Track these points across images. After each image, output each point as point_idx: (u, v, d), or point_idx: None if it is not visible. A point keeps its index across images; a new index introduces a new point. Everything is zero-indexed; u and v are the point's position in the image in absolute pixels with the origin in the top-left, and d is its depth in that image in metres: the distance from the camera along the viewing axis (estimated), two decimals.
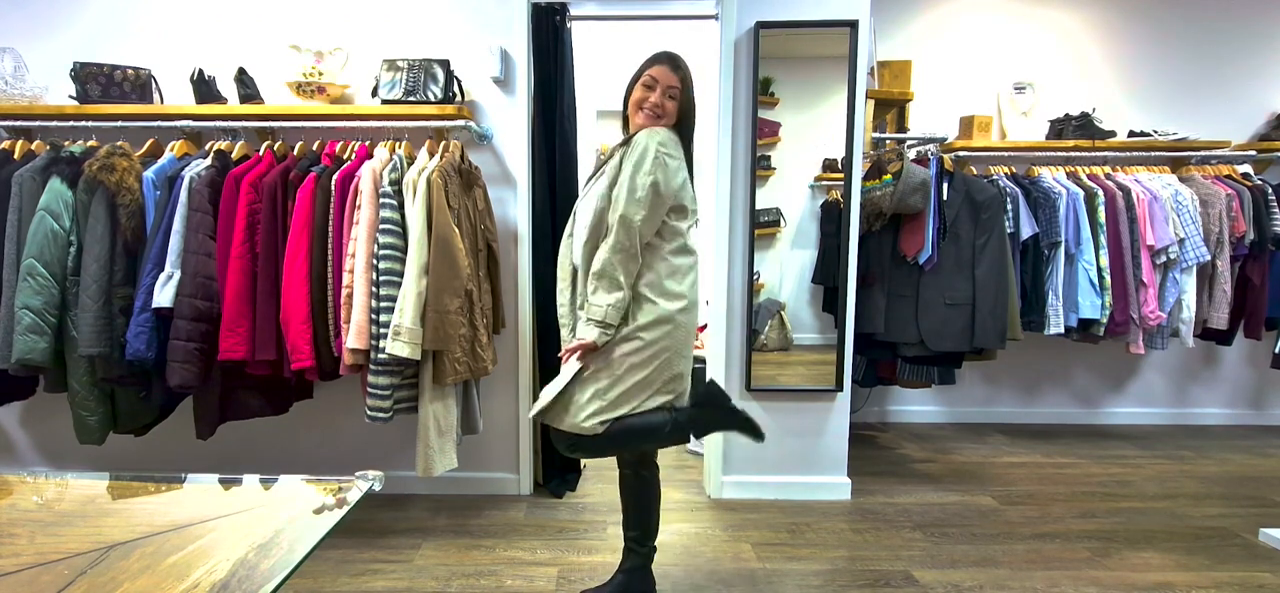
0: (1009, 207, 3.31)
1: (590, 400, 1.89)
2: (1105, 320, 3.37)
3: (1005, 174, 3.47)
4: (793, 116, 3.03)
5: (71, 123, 2.68)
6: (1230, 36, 4.00)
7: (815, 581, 2.36)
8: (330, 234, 2.47)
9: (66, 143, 2.64)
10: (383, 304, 2.38)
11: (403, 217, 2.44)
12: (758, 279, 3.03)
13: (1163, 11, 4.00)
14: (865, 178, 3.13)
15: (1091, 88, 3.98)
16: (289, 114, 2.71)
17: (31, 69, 2.80)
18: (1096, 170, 3.56)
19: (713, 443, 3.06)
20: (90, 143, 2.64)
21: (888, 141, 3.62)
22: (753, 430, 2.05)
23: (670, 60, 1.99)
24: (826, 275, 3.15)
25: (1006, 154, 3.70)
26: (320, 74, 2.76)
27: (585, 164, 3.68)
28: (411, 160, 2.59)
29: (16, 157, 2.60)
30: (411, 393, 2.53)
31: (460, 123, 2.73)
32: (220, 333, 2.41)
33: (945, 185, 3.17)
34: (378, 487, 1.14)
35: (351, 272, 2.43)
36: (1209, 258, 3.39)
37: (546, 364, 3.01)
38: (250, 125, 2.79)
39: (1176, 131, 3.76)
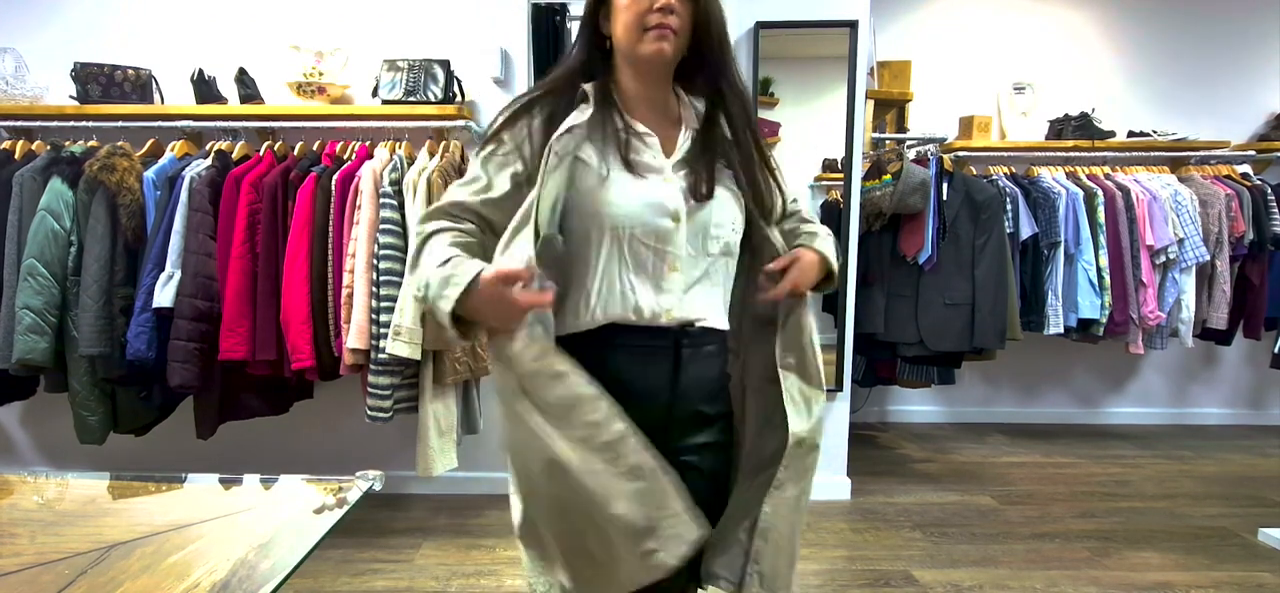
0: (1008, 207, 3.31)
1: None
2: (1105, 320, 3.37)
3: (1005, 174, 3.47)
4: (792, 116, 3.03)
5: (72, 123, 2.68)
6: (1230, 36, 4.00)
7: (815, 580, 2.36)
8: (330, 234, 2.47)
9: (67, 143, 2.64)
10: (383, 304, 2.38)
11: (403, 217, 2.44)
12: None
13: (1162, 12, 4.00)
14: (865, 178, 3.13)
15: (1091, 88, 3.98)
16: (289, 114, 2.71)
17: (32, 69, 2.80)
18: (1096, 170, 3.56)
19: None
20: (91, 143, 2.64)
21: (887, 141, 3.62)
22: None
23: None
24: None
25: (1006, 154, 3.70)
26: (320, 74, 2.76)
27: None
28: (412, 161, 2.59)
29: (17, 157, 2.60)
30: (412, 393, 2.53)
31: (460, 123, 2.73)
32: (220, 333, 2.41)
33: (945, 185, 3.17)
34: (378, 487, 1.14)
35: (352, 272, 2.43)
36: (1208, 258, 3.39)
37: None
38: (250, 125, 2.79)
39: (1176, 132, 3.76)
